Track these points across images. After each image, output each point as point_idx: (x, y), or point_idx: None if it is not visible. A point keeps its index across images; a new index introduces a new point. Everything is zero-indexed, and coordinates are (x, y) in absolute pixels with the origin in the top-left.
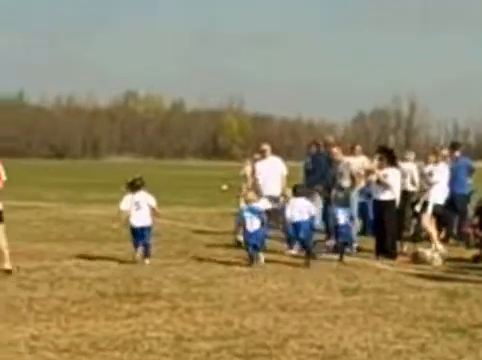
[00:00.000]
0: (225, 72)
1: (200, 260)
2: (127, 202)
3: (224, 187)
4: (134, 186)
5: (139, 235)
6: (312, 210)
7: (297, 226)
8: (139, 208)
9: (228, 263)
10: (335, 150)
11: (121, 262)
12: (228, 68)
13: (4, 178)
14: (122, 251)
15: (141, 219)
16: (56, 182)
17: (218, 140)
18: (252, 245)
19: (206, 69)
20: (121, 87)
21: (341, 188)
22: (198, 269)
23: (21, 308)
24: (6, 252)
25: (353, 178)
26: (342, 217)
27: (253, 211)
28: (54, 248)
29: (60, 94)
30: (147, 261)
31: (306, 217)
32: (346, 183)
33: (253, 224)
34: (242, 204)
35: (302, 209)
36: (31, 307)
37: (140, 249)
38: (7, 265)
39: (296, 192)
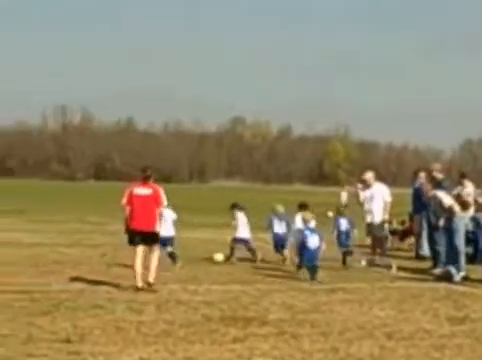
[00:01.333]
0: (332, 99)
1: (305, 286)
2: None
3: (330, 214)
4: None
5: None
6: None
7: None
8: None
9: (332, 290)
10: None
11: (227, 286)
12: (335, 95)
13: (165, 203)
14: (230, 275)
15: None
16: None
17: (324, 166)
18: (312, 262)
19: (313, 96)
20: (228, 113)
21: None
22: (303, 295)
23: (129, 331)
24: (153, 270)
25: (462, 205)
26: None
27: (313, 230)
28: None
29: (168, 120)
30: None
31: None
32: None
33: (314, 242)
34: (299, 224)
35: None
36: (139, 330)
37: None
38: (151, 278)
39: None
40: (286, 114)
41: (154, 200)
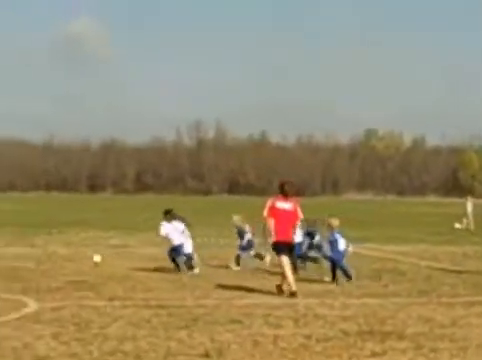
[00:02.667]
0: (466, 109)
1: (443, 300)
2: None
3: (457, 225)
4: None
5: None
6: None
7: None
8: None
9: (471, 304)
10: None
11: (363, 300)
12: (468, 105)
13: (301, 216)
14: (365, 289)
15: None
16: None
17: (459, 177)
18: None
19: (446, 106)
20: (360, 126)
21: None
22: (441, 309)
23: (267, 345)
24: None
25: None
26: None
27: (341, 234)
28: (299, 286)
29: (301, 133)
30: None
31: None
32: None
33: (342, 244)
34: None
35: None
36: (276, 344)
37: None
38: (294, 287)
39: None
40: (419, 125)
41: (294, 214)
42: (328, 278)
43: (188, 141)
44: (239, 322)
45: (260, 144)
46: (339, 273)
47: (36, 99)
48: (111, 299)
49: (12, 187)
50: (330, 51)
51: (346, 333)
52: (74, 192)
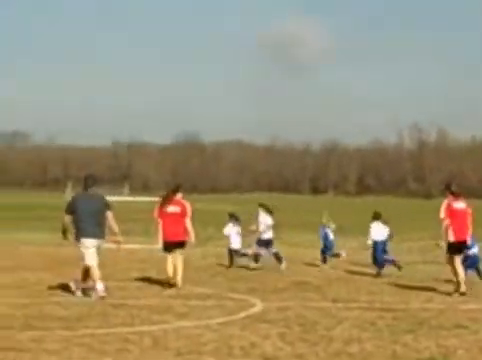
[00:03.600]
0: None
1: None
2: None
3: None
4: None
5: None
6: None
7: None
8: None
9: None
10: None
11: None
12: None
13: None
14: None
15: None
16: None
17: None
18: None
19: None
20: None
21: None
22: None
23: None
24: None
25: None
26: None
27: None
28: None
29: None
30: None
31: None
32: None
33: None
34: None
35: None
36: None
37: None
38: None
39: None
40: None
41: (469, 213)
42: None
43: (409, 144)
44: (465, 327)
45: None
46: None
47: (259, 101)
48: (335, 301)
49: (236, 188)
50: None
51: None
52: (296, 194)
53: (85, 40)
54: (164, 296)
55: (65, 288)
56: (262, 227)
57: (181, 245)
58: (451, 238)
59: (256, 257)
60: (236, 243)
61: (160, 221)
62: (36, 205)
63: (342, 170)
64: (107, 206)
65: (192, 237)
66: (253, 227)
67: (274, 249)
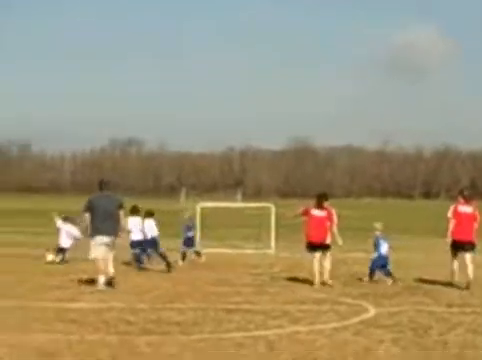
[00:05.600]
0: None
1: None
2: None
3: None
4: None
5: None
6: None
7: None
8: None
9: None
10: None
11: None
12: None
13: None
14: None
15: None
16: None
17: None
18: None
19: None
20: None
21: None
22: None
23: None
24: None
25: None
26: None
27: (385, 238)
28: None
29: None
30: None
31: None
32: None
33: (385, 249)
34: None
35: None
36: None
37: None
38: None
39: None
40: None
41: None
42: None
43: None
44: None
45: None
46: None
47: (370, 106)
48: (449, 305)
49: (348, 193)
50: None
51: None
52: (408, 199)
53: (203, 52)
54: (314, 289)
55: (181, 294)
56: None
57: (324, 247)
58: (453, 237)
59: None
60: None
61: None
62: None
63: (454, 174)
64: (120, 206)
65: (339, 240)
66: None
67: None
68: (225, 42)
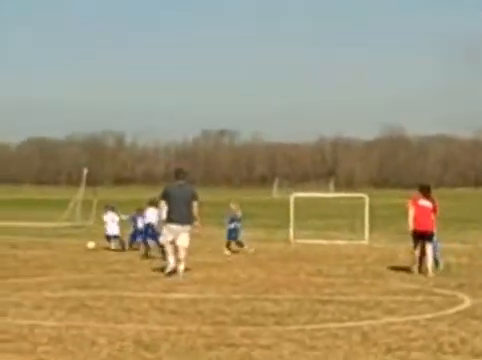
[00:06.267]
0: None
1: None
2: None
3: None
4: None
5: None
6: None
7: None
8: None
9: None
10: None
11: None
12: None
13: None
14: None
15: None
16: None
17: None
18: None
19: None
20: None
21: None
22: None
23: None
24: None
25: None
26: None
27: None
28: None
29: None
30: None
31: None
32: None
33: None
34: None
35: None
36: None
37: None
38: None
39: None
40: None
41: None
42: None
43: None
44: None
45: None
46: None
47: (462, 93)
48: None
49: (440, 183)
50: None
51: None
52: None
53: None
54: (408, 280)
55: (276, 284)
56: None
57: (428, 236)
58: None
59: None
60: None
61: (412, 209)
62: (245, 203)
63: None
64: (194, 196)
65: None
66: None
67: None
68: (314, 33)
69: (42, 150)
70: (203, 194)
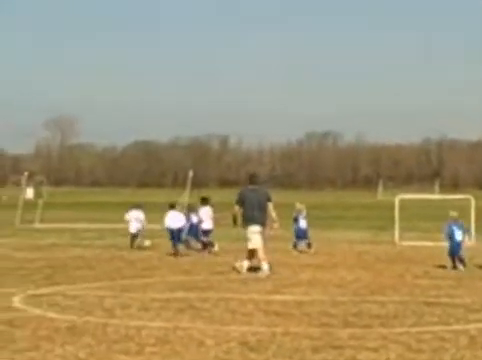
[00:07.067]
0: None
1: None
2: None
3: None
4: None
5: None
6: None
7: None
8: None
9: None
10: None
11: None
12: None
13: None
14: None
15: None
16: None
17: None
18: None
19: None
20: None
21: None
22: None
23: None
24: None
25: None
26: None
27: (459, 226)
28: None
29: None
30: None
31: None
32: None
33: (459, 235)
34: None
35: None
36: None
37: None
38: None
39: None
40: None
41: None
42: None
43: None
44: None
45: None
46: None
47: None
48: None
49: None
50: None
51: None
52: None
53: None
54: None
55: (382, 286)
56: None
57: None
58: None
59: None
60: None
61: None
62: (349, 204)
63: None
64: (268, 199)
65: None
66: None
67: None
68: (426, 34)
69: (148, 153)
70: (307, 197)
